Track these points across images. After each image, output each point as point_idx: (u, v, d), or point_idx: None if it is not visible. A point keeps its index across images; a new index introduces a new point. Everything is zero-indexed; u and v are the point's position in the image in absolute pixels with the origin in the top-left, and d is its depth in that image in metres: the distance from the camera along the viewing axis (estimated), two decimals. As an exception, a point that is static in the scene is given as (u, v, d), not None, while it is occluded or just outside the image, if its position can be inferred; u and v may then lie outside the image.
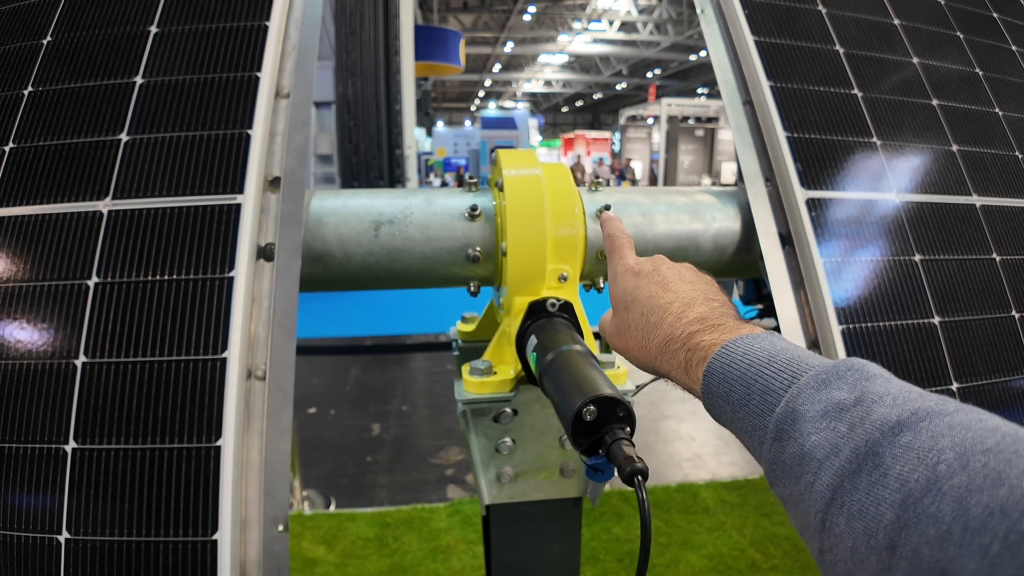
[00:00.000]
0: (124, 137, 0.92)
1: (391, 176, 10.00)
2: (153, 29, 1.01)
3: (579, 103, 40.17)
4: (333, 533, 2.77)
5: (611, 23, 23.19)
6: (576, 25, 23.80)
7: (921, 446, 0.40)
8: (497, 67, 31.15)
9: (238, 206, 0.87)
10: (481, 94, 39.39)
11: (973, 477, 0.36)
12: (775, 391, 0.50)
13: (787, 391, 0.49)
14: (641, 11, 22.16)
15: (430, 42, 14.14)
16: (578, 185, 1.08)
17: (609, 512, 2.84)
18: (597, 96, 36.79)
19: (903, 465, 0.40)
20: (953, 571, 0.34)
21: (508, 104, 40.23)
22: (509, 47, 26.91)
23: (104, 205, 0.88)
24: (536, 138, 27.10)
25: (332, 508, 3.14)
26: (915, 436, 0.41)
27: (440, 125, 29.01)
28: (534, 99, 40.34)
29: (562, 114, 43.81)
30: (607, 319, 0.70)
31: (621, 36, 24.06)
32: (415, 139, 12.46)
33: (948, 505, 0.36)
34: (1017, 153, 1.23)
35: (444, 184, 17.48)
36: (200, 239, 0.86)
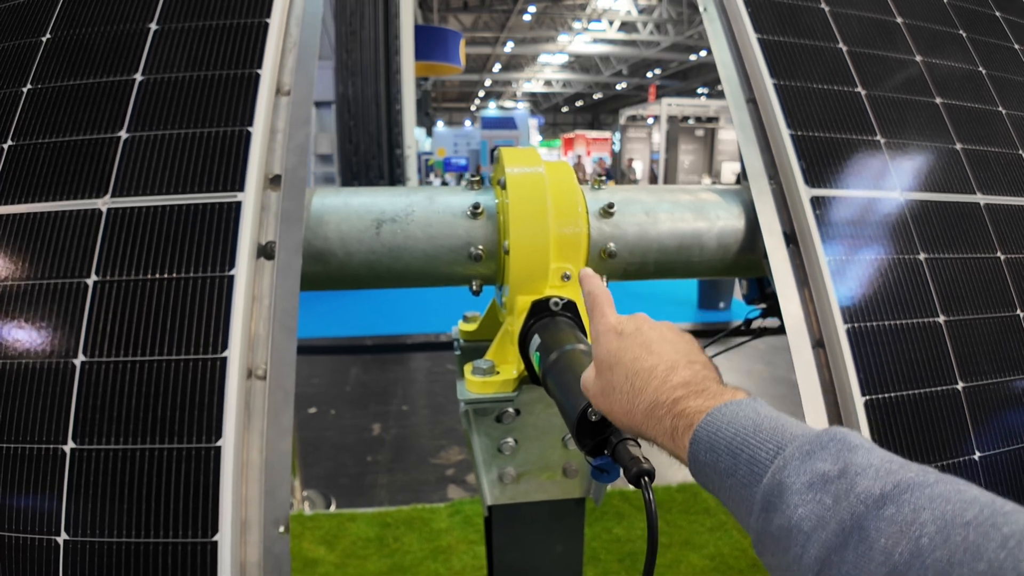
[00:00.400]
0: (123, 134, 0.92)
1: (391, 176, 9.99)
2: (153, 26, 1.00)
3: (579, 103, 40.17)
4: (333, 533, 2.77)
5: (611, 23, 23.18)
6: (576, 25, 23.80)
7: (904, 519, 0.41)
8: (497, 67, 31.14)
9: (238, 204, 0.87)
10: (481, 94, 39.39)
11: (954, 551, 0.38)
12: (761, 462, 0.51)
13: (773, 462, 0.50)
14: (641, 11, 22.15)
15: (430, 42, 14.13)
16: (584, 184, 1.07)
17: (610, 512, 2.83)
18: (597, 96, 36.80)
19: (887, 539, 0.41)
20: None
21: (508, 104, 40.23)
22: (509, 47, 26.91)
23: (103, 203, 0.87)
24: (536, 138, 27.09)
25: (332, 508, 3.14)
26: (898, 509, 0.42)
27: (440, 125, 29.00)
28: (534, 99, 40.34)
29: (562, 114, 43.81)
30: (590, 378, 0.70)
31: (621, 36, 24.06)
32: (415, 139, 12.46)
33: None
34: (1021, 152, 1.22)
35: (444, 184, 17.48)
36: (200, 237, 0.85)
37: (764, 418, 0.54)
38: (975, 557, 0.37)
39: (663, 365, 0.63)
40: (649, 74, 29.87)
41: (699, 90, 29.07)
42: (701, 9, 1.23)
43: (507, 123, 21.90)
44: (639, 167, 19.85)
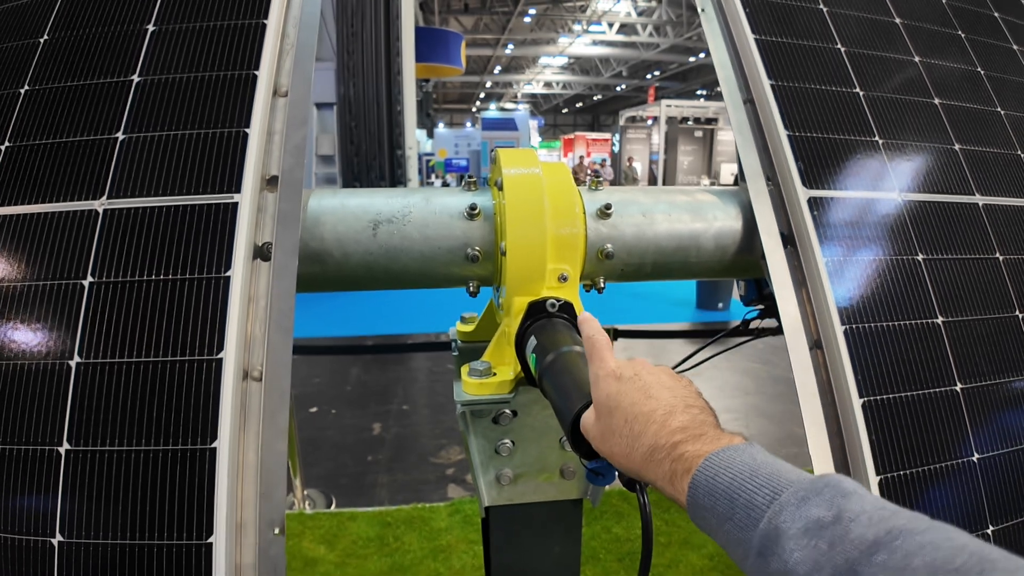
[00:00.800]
0: (120, 136, 0.92)
1: (392, 176, 10.00)
2: (150, 27, 1.00)
3: (579, 104, 40.17)
4: (334, 532, 2.76)
5: (611, 25, 23.21)
6: (576, 27, 23.82)
7: (896, 564, 0.43)
8: (498, 69, 31.16)
9: (235, 205, 0.87)
10: (482, 95, 39.41)
11: None
12: (757, 507, 0.52)
13: (769, 507, 0.51)
14: (640, 13, 22.18)
15: (431, 44, 14.14)
16: (582, 185, 1.07)
17: (609, 511, 2.83)
18: (597, 97, 36.81)
19: None
20: None
21: (509, 105, 40.23)
22: (510, 49, 26.92)
23: (100, 204, 0.87)
24: (536, 139, 27.09)
25: (333, 507, 3.14)
26: (890, 555, 0.44)
27: (441, 126, 28.99)
28: (534, 100, 40.35)
29: (562, 115, 43.81)
30: (590, 421, 0.71)
31: (621, 38, 24.10)
32: (416, 140, 12.46)
33: None
34: (1019, 152, 1.22)
35: (445, 184, 17.49)
36: (196, 238, 0.85)
37: (760, 463, 0.56)
38: None
39: (661, 409, 0.64)
40: (648, 76, 29.88)
41: (698, 91, 29.07)
42: (699, 10, 1.23)
43: (507, 124, 21.90)
44: (638, 168, 19.77)
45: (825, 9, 1.23)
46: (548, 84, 34.54)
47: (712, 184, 16.08)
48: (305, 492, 3.20)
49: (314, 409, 4.43)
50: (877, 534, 0.45)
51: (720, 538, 0.56)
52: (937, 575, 0.41)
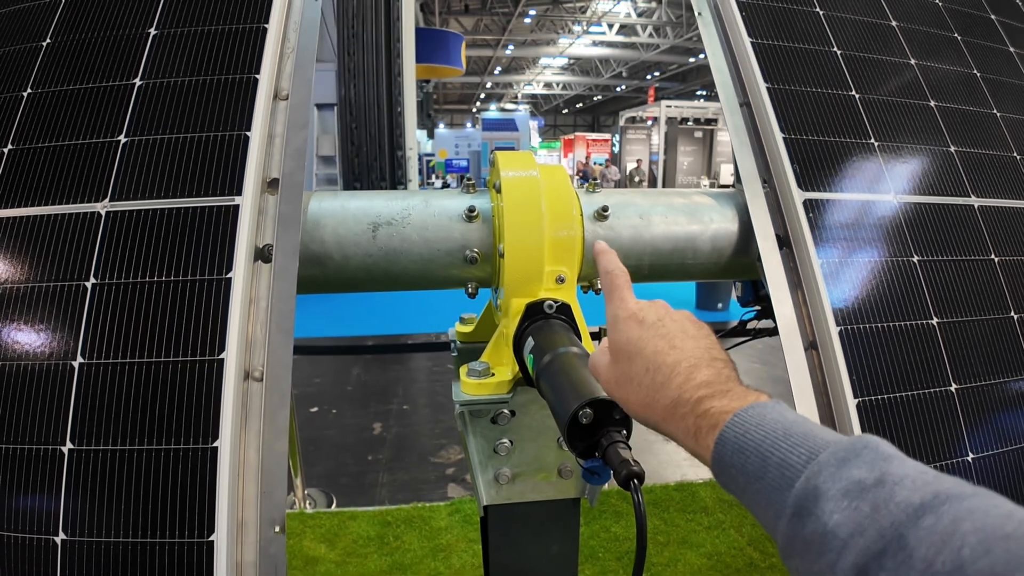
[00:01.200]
0: (122, 139, 0.93)
1: (393, 177, 10.00)
2: (152, 31, 1.01)
3: (579, 105, 40.15)
4: (334, 532, 2.77)
5: (611, 26, 23.21)
6: (576, 28, 23.82)
7: (944, 529, 0.41)
8: (498, 69, 31.15)
9: (236, 207, 0.87)
10: (482, 96, 39.39)
11: (996, 562, 0.38)
12: (793, 466, 0.50)
13: (806, 467, 0.50)
14: (640, 14, 22.18)
15: (431, 45, 14.15)
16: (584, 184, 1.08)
17: (608, 511, 2.83)
18: (597, 98, 36.79)
19: (927, 548, 0.41)
20: None
21: (509, 106, 40.22)
22: (510, 50, 26.92)
23: (102, 206, 0.88)
24: (536, 140, 27.09)
25: (333, 507, 3.14)
26: (937, 519, 0.42)
27: (441, 127, 28.99)
28: (535, 101, 40.33)
29: (562, 116, 43.79)
30: (603, 363, 0.69)
31: (621, 39, 24.09)
32: (416, 140, 12.46)
33: None
34: (1015, 154, 1.23)
35: (445, 185, 17.49)
36: (198, 241, 0.86)
37: (792, 423, 0.54)
38: (1018, 568, 0.37)
39: (686, 362, 0.62)
40: (648, 76, 29.87)
41: (698, 92, 29.06)
42: (696, 13, 1.24)
43: (508, 125, 21.92)
44: (647, 170, 19.66)
45: (821, 12, 1.24)
46: (548, 85, 34.54)
47: (712, 184, 16.02)
48: (306, 492, 3.20)
49: (315, 409, 4.43)
50: (924, 497, 0.44)
51: (748, 497, 0.55)
52: (989, 541, 0.39)
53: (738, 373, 0.63)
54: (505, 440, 0.99)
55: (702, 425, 0.58)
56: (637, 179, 17.34)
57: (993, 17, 1.40)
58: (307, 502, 3.15)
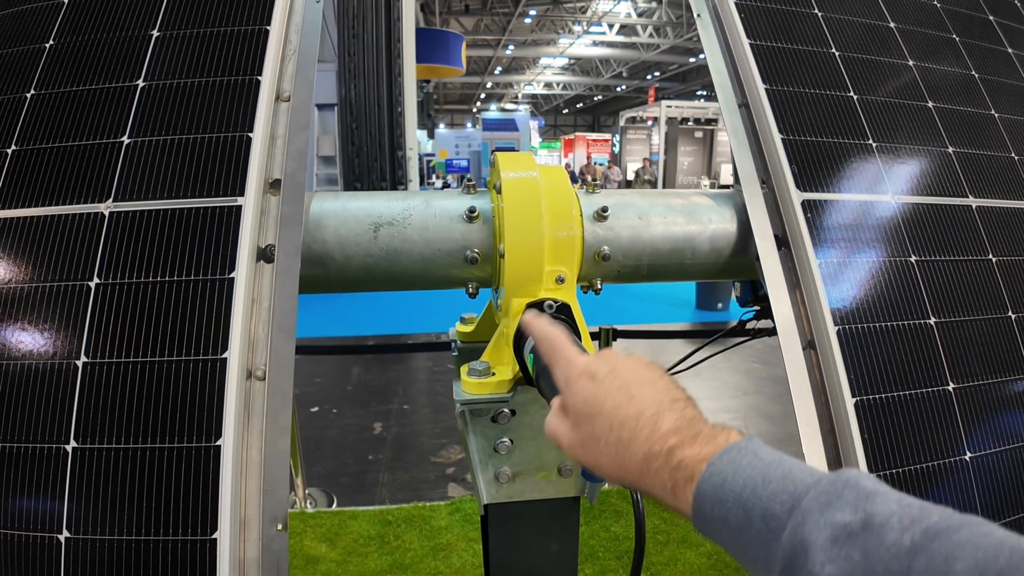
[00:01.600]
0: (126, 140, 0.93)
1: (393, 177, 10.01)
2: (155, 33, 1.02)
3: (579, 105, 40.17)
4: (335, 531, 2.77)
5: (611, 26, 23.21)
6: (576, 28, 23.82)
7: (937, 569, 0.41)
8: (498, 69, 31.16)
9: (239, 208, 0.88)
10: (482, 96, 39.41)
11: None
12: (777, 516, 0.49)
13: (790, 516, 0.49)
14: (640, 14, 22.18)
15: (432, 45, 14.16)
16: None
17: (608, 510, 2.83)
18: (597, 98, 36.81)
19: None
20: None
21: (509, 106, 40.24)
22: (510, 50, 26.92)
23: (106, 207, 0.89)
24: (537, 140, 27.08)
25: (334, 506, 3.15)
26: (929, 560, 0.42)
27: (442, 127, 28.99)
28: (535, 101, 40.35)
29: (563, 116, 43.81)
30: (563, 430, 0.65)
31: (621, 39, 24.09)
32: (417, 141, 12.47)
33: None
34: (1013, 155, 1.24)
35: (446, 185, 17.49)
36: (201, 241, 0.87)
37: (768, 464, 0.53)
38: None
39: (648, 411, 0.60)
40: (649, 76, 29.88)
41: (698, 92, 29.07)
42: (695, 15, 1.24)
43: (508, 125, 21.92)
44: (656, 170, 19.51)
45: (820, 14, 1.25)
46: (548, 85, 34.56)
47: (712, 184, 15.96)
48: (307, 491, 3.21)
49: (315, 408, 4.44)
50: (913, 538, 0.43)
51: (735, 549, 0.53)
52: None
53: (699, 409, 0.61)
54: (505, 439, 1.00)
55: (678, 479, 0.56)
56: (645, 178, 17.11)
57: (992, 18, 1.41)
58: (308, 501, 3.16)
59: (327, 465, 3.63)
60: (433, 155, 20.18)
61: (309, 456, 3.65)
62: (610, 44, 25.40)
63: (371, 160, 9.85)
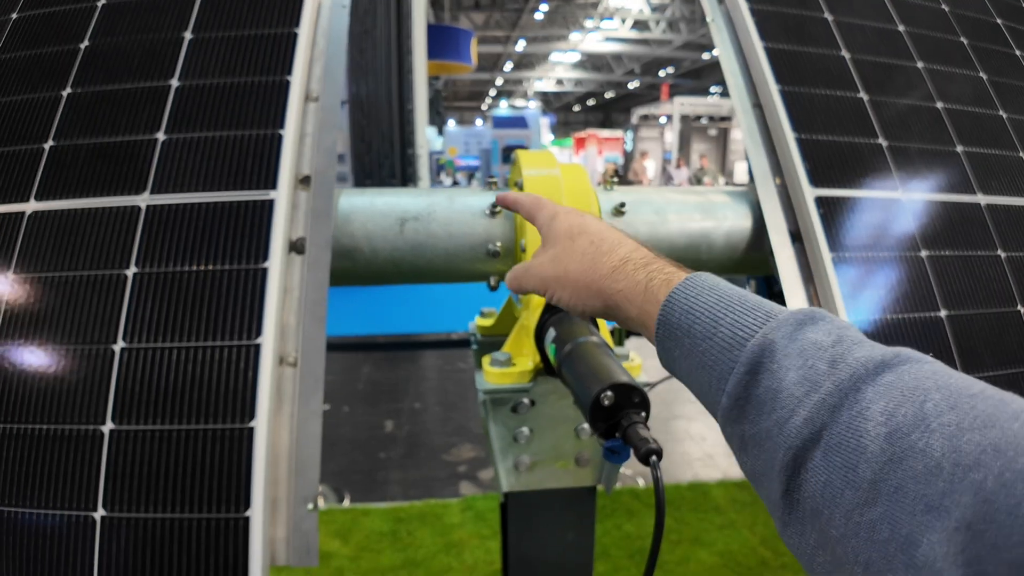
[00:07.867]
0: (161, 136, 0.97)
1: (403, 175, 10.03)
2: (188, 35, 1.05)
3: (591, 102, 40.08)
4: (347, 527, 2.81)
5: (623, 21, 23.12)
6: (588, 23, 23.76)
7: (905, 385, 0.40)
8: (509, 66, 31.12)
9: (271, 202, 0.92)
10: (493, 93, 39.39)
11: (963, 417, 0.36)
12: (746, 327, 0.49)
13: (761, 327, 0.48)
14: (654, 9, 22.08)
15: (442, 41, 14.15)
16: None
17: (620, 509, 2.86)
18: (609, 95, 36.71)
19: (888, 401, 0.39)
20: (943, 506, 0.34)
21: (520, 103, 40.20)
22: (521, 46, 26.89)
23: (142, 200, 0.93)
24: (548, 137, 27.04)
25: (346, 503, 3.18)
26: (898, 376, 0.41)
27: (452, 124, 29.01)
28: (546, 98, 40.28)
29: (574, 113, 43.73)
30: (538, 259, 0.70)
31: (633, 34, 23.99)
32: (427, 138, 12.49)
33: (938, 441, 0.36)
34: (1021, 154, 1.26)
35: (455, 183, 17.47)
36: (235, 232, 0.90)
37: (747, 293, 0.52)
38: (986, 424, 0.35)
39: (633, 240, 0.64)
40: (661, 73, 29.76)
41: (712, 89, 28.95)
42: (708, 20, 1.27)
43: (518, 122, 21.85)
44: (651, 167, 19.36)
45: (831, 18, 1.27)
46: (559, 81, 34.47)
47: (727, 183, 15.84)
48: (319, 488, 3.25)
49: (327, 406, 4.48)
50: (885, 355, 0.42)
51: (691, 361, 0.52)
52: (954, 398, 0.38)
53: None
54: (524, 428, 1.03)
55: (654, 279, 0.57)
56: (706, 179, 16.67)
57: (999, 21, 1.43)
58: (320, 498, 3.20)
59: (339, 462, 3.66)
60: (442, 152, 20.13)
61: (321, 453, 3.68)
62: (622, 40, 25.29)
63: (381, 157, 9.87)
